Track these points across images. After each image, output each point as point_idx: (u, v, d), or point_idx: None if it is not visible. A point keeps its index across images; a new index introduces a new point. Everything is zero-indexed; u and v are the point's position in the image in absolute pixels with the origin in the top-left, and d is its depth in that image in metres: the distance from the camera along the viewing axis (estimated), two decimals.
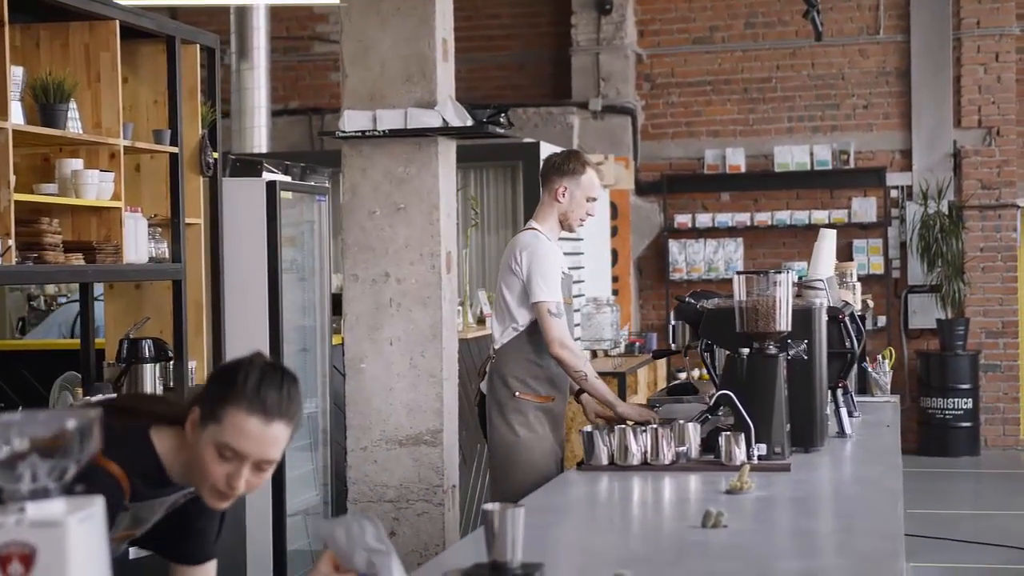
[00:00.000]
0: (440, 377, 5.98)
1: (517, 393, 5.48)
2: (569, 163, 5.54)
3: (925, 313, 13.31)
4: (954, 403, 12.94)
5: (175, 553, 3.17)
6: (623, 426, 4.69)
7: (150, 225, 5.91)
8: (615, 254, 13.08)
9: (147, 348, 5.85)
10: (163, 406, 3.04)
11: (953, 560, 8.68)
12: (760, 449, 4.61)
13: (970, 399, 12.96)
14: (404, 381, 5.97)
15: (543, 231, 5.52)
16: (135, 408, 3.02)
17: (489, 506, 2.89)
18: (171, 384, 6.00)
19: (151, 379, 5.84)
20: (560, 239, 5.61)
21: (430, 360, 5.98)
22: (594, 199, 5.57)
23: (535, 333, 5.42)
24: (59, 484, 1.90)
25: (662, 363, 11.61)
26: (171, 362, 5.99)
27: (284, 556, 6.71)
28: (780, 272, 4.75)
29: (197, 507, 3.05)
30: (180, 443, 2.93)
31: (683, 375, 10.66)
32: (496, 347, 5.56)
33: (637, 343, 11.45)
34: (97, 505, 1.92)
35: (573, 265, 10.58)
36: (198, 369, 6.23)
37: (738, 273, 4.79)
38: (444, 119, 5.88)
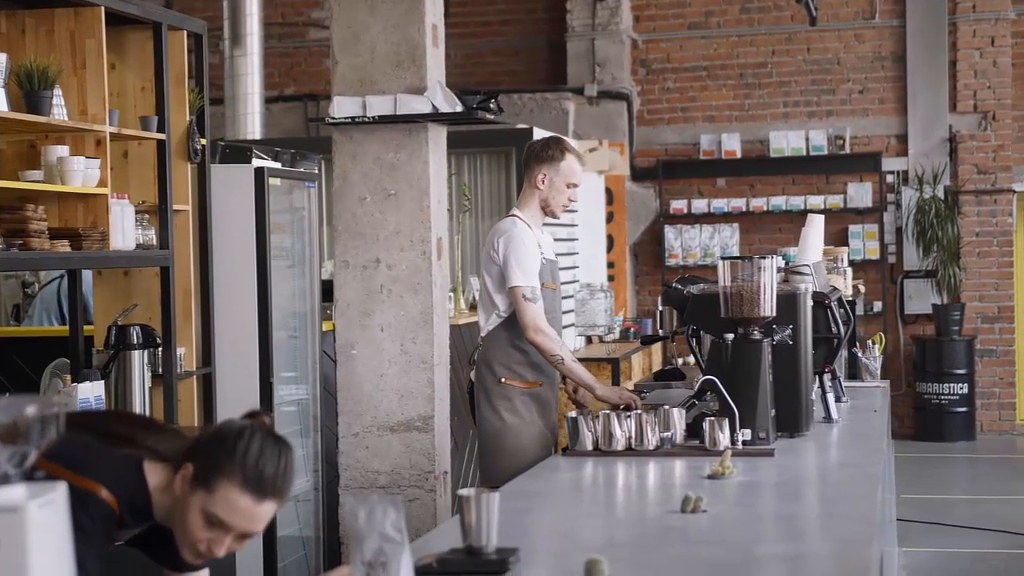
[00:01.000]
0: (431, 363, 5.98)
1: (503, 379, 5.49)
2: (548, 150, 5.55)
3: (921, 298, 13.30)
4: (950, 388, 12.94)
5: (169, 560, 3.16)
6: (607, 411, 4.70)
7: (138, 212, 5.90)
8: (611, 240, 13.09)
9: (135, 335, 5.84)
10: (159, 440, 3.01)
11: (947, 545, 8.69)
12: (745, 434, 4.62)
13: (966, 384, 12.96)
14: (395, 367, 5.97)
15: (523, 218, 5.53)
16: (132, 438, 3.00)
17: (464, 492, 2.90)
18: (159, 371, 6.00)
19: (139, 366, 5.83)
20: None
21: (421, 346, 5.98)
22: (575, 185, 5.56)
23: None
24: (19, 470, 1.90)
25: (657, 349, 11.62)
26: (159, 349, 5.99)
27: (274, 542, 6.72)
28: (765, 258, 4.75)
29: None
30: (168, 485, 2.92)
31: (679, 361, 10.66)
32: (482, 335, 5.58)
33: (632, 329, 11.45)
34: (59, 491, 1.92)
35: (568, 251, 10.60)
36: (187, 356, 6.23)
37: (722, 258, 4.80)
38: (434, 105, 5.87)
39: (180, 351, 6.15)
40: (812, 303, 5.15)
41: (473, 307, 8.85)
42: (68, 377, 5.88)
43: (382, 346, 5.98)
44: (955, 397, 12.95)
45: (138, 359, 5.85)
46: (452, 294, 8.60)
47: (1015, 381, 13.42)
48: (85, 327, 6.20)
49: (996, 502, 10.27)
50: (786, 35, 13.64)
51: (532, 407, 5.52)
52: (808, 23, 12.14)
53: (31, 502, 1.86)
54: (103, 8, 5.60)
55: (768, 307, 4.73)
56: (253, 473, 2.81)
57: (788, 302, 4.91)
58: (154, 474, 2.93)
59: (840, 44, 13.56)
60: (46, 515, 1.88)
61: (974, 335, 13.22)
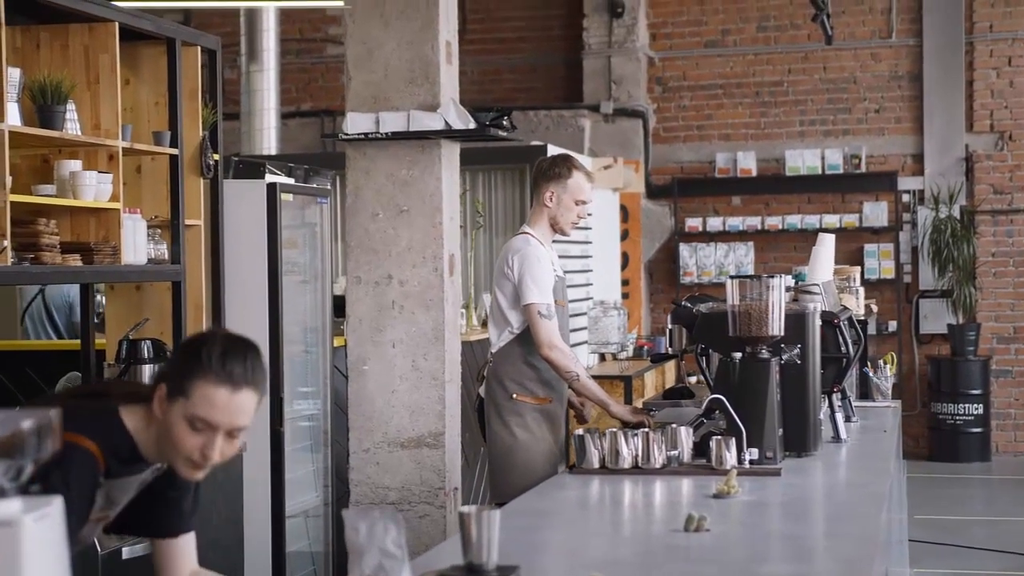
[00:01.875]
0: (442, 379, 5.97)
1: (514, 395, 5.51)
2: (556, 167, 5.57)
3: (936, 318, 13.27)
4: (965, 408, 12.89)
5: (151, 528, 3.23)
6: (615, 429, 4.69)
7: (150, 226, 5.92)
8: (626, 257, 13.08)
9: (146, 349, 5.87)
10: (131, 386, 3.17)
11: (961, 567, 8.65)
12: (752, 453, 4.61)
13: (981, 404, 12.91)
14: (406, 383, 5.97)
15: (535, 235, 5.56)
16: (104, 391, 3.12)
17: (464, 509, 2.91)
18: None
19: (149, 380, 5.85)
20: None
21: (432, 362, 5.97)
22: (583, 202, 5.58)
23: (530, 336, 5.45)
24: (15, 484, 1.91)
25: (671, 367, 11.60)
26: None
27: (283, 558, 6.72)
28: (773, 277, 4.75)
29: (167, 480, 3.12)
30: (149, 420, 3.01)
31: (693, 379, 10.64)
32: (493, 351, 5.60)
33: (646, 347, 11.43)
34: (54, 505, 1.93)
35: (582, 268, 10.60)
36: None
37: (731, 277, 4.80)
38: (447, 122, 5.88)
39: None
40: (821, 322, 5.14)
41: (485, 324, 8.85)
42: None
43: (393, 362, 5.98)
44: (970, 417, 12.90)
45: (148, 373, 5.87)
46: (464, 311, 8.61)
47: None
48: (97, 341, 6.22)
49: (1010, 523, 10.23)
50: (802, 54, 13.64)
51: (543, 423, 5.54)
52: (824, 42, 12.13)
53: (26, 516, 1.87)
54: (117, 24, 5.63)
55: (776, 326, 4.72)
56: (222, 369, 2.91)
57: (797, 321, 4.90)
58: (132, 416, 3.02)
59: (856, 63, 13.55)
60: (41, 529, 1.89)
61: (989, 355, 13.17)
